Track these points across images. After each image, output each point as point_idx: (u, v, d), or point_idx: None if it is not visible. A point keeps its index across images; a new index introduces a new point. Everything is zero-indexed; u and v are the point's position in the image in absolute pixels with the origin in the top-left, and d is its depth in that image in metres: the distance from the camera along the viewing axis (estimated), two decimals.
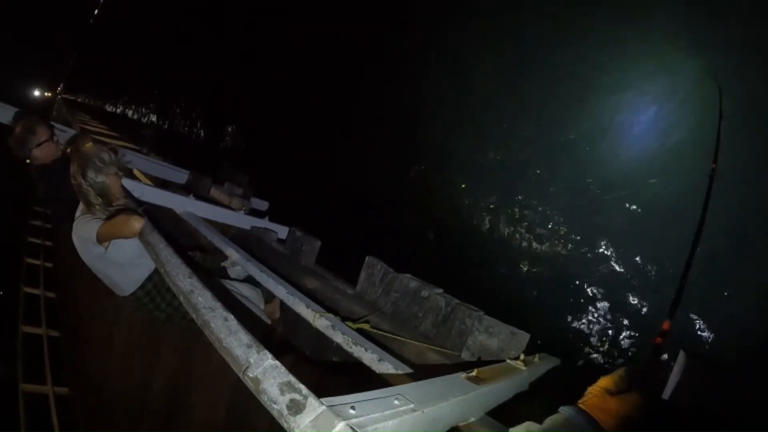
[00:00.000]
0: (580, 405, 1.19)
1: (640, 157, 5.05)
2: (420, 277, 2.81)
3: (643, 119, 5.13)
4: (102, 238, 2.52)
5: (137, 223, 2.38)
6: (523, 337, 2.33)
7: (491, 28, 6.51)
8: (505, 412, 1.59)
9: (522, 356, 1.90)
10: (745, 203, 4.17)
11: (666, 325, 1.69)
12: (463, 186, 6.05)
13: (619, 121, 5.30)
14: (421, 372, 2.00)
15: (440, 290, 2.66)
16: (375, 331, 2.50)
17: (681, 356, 2.22)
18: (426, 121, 7.07)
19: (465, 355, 2.33)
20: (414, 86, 7.40)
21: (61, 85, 39.17)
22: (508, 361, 1.86)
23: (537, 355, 2.09)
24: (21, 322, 6.22)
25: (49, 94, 37.53)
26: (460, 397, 1.29)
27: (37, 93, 37.21)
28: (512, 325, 2.37)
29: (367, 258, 3.04)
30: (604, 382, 1.29)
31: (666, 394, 2.21)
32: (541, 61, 5.93)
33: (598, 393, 1.24)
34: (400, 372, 1.97)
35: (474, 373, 1.48)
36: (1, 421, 6.81)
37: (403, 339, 2.43)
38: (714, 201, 2.40)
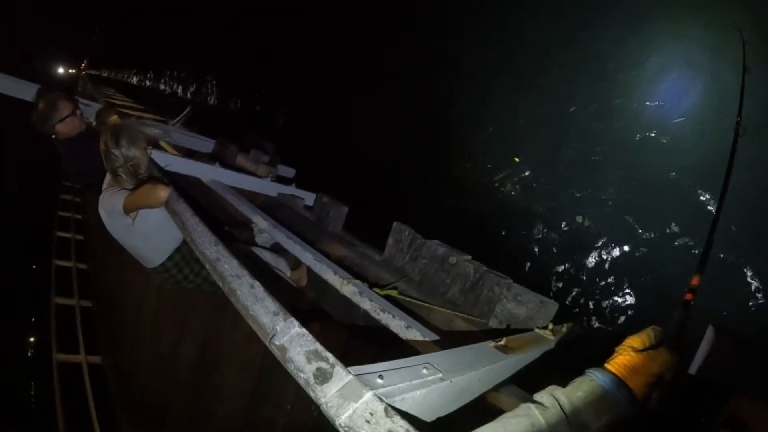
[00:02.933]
0: (606, 366, 1.17)
1: (664, 112, 4.90)
2: (448, 244, 2.78)
3: (665, 73, 4.97)
4: (128, 209, 2.53)
5: (163, 193, 2.37)
6: (552, 306, 2.29)
7: None
8: (530, 378, 1.58)
9: (550, 325, 1.87)
10: None
11: (695, 281, 1.63)
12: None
13: (639, 76, 5.14)
14: (448, 339, 1.99)
15: (468, 257, 2.63)
16: (402, 297, 2.49)
17: (709, 331, 2.15)
18: (459, 86, 6.93)
19: (493, 323, 2.31)
20: (447, 50, 7.23)
21: (85, 61, 39.15)
22: (536, 330, 1.84)
23: (565, 324, 2.06)
24: (54, 294, 6.39)
25: (73, 71, 37.61)
26: (489, 367, 1.27)
27: (61, 70, 37.35)
28: (540, 292, 2.34)
29: (394, 224, 3.02)
30: (630, 340, 1.26)
31: (693, 369, 2.15)
32: (563, 24, 5.76)
33: (623, 351, 1.21)
34: (427, 339, 1.96)
35: (503, 342, 1.47)
36: (37, 390, 7.09)
37: (430, 306, 2.42)
38: (741, 155, 2.34)
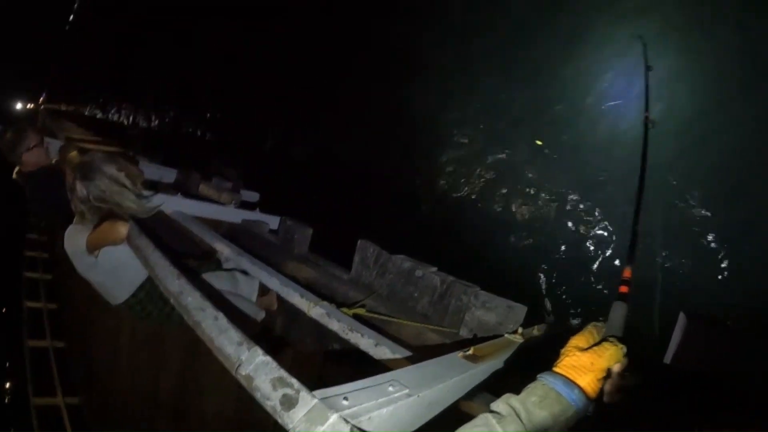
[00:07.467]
0: (555, 369, 1.18)
1: (582, 116, 5.13)
2: (414, 257, 2.80)
3: (580, 81, 5.21)
4: (91, 248, 2.50)
5: (123, 229, 2.35)
6: (521, 310, 2.32)
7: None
8: (502, 383, 1.59)
9: (520, 329, 1.90)
10: (684, 145, 4.29)
11: (628, 273, 1.67)
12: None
13: (554, 85, 5.39)
14: (419, 353, 1.99)
15: (434, 268, 2.65)
16: (371, 315, 2.49)
17: (681, 319, 2.21)
18: (413, 99, 7.00)
19: (463, 332, 2.33)
20: (408, 54, 7.28)
21: (44, 95, 38.24)
22: (506, 335, 1.86)
23: (536, 326, 2.09)
24: (26, 337, 6.23)
25: (32, 106, 36.80)
26: (457, 378, 1.28)
27: (19, 106, 36.55)
28: (511, 297, 2.36)
29: (359, 241, 3.03)
30: (574, 340, 1.28)
31: (667, 358, 2.20)
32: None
33: (568, 352, 1.23)
34: (398, 356, 1.96)
35: (471, 352, 1.48)
36: None
37: (400, 320, 2.43)
38: (655, 147, 2.55)
